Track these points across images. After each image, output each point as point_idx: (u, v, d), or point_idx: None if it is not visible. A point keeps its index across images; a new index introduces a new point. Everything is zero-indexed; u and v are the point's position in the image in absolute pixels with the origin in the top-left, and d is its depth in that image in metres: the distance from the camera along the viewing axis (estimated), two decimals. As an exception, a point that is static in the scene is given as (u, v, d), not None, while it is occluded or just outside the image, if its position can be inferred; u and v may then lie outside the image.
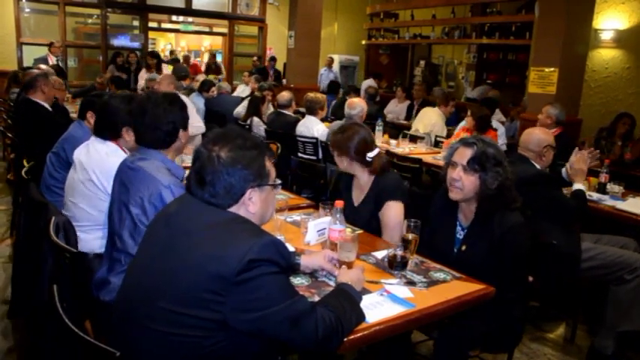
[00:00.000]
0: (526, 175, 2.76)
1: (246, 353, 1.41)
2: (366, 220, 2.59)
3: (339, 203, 2.13)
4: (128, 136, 2.46)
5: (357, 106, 4.56)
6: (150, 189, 1.96)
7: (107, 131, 2.48)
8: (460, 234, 2.30)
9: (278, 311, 1.35)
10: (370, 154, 2.55)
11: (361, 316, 1.61)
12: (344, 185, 2.76)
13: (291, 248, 2.21)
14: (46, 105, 4.13)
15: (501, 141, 5.40)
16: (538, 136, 3.02)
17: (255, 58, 11.31)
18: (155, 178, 1.98)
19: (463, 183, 2.17)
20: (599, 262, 2.87)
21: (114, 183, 2.13)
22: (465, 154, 2.17)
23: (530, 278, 2.30)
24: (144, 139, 2.11)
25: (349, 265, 1.91)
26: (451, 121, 6.52)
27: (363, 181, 2.64)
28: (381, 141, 5.35)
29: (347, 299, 1.60)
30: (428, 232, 2.33)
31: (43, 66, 7.16)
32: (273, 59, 11.21)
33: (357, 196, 2.68)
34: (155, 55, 9.21)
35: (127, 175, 2.05)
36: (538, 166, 3.00)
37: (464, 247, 2.23)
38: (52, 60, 8.69)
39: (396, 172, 2.88)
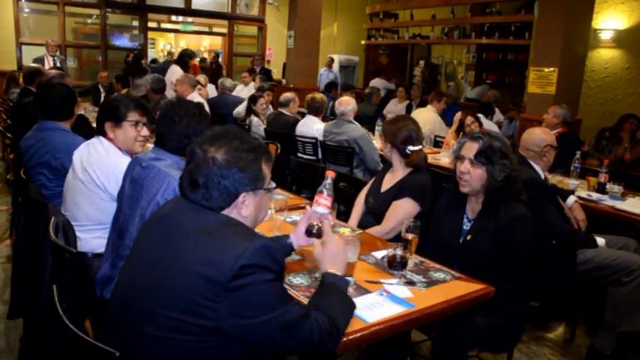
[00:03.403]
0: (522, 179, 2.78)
1: (241, 358, 1.39)
2: (383, 206, 2.74)
3: (330, 173, 1.94)
4: (111, 132, 2.44)
5: (348, 103, 4.62)
6: (164, 184, 1.97)
7: (97, 128, 2.49)
8: (467, 225, 2.35)
9: (271, 319, 1.32)
10: (411, 148, 2.74)
11: (352, 307, 1.58)
12: (382, 170, 3.00)
13: (279, 232, 2.20)
14: None
15: None
16: (539, 136, 3.02)
17: (252, 58, 11.24)
18: (169, 174, 1.99)
19: (471, 176, 2.24)
20: (594, 265, 2.85)
21: (123, 181, 2.13)
22: (472, 148, 2.25)
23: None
24: (168, 144, 2.12)
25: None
26: (449, 120, 6.52)
27: (398, 171, 2.82)
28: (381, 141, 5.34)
29: (334, 293, 1.57)
30: (433, 226, 2.42)
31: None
32: (261, 57, 11.11)
33: (386, 183, 2.85)
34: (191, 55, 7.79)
35: (139, 172, 2.06)
36: (538, 167, 2.99)
37: (469, 237, 2.28)
38: (49, 61, 8.59)
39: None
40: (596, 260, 2.86)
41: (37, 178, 2.89)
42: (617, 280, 2.80)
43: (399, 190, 2.72)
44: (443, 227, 2.41)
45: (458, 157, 2.33)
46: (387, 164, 2.95)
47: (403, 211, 2.64)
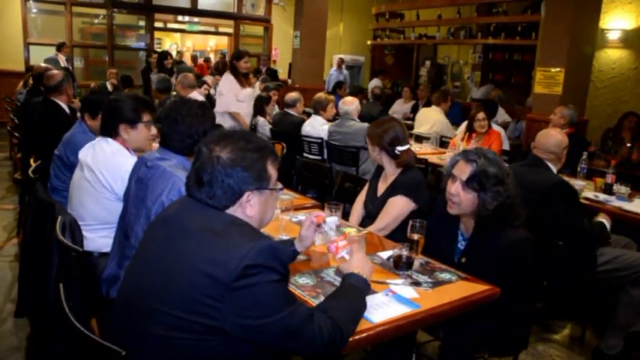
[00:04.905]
0: (548, 185, 2.74)
1: (246, 357, 1.39)
2: (381, 209, 2.73)
3: (321, 218, 1.97)
4: (126, 134, 2.46)
5: (352, 102, 4.70)
6: (169, 184, 1.97)
7: (106, 129, 2.49)
8: (462, 244, 2.26)
9: (276, 320, 1.32)
10: (400, 148, 2.73)
11: (363, 307, 1.60)
12: (375, 175, 2.97)
13: (285, 237, 2.20)
14: (66, 108, 4.19)
15: (505, 146, 5.35)
16: (558, 138, 2.95)
17: (259, 58, 11.24)
18: (174, 174, 2.00)
19: (460, 199, 2.11)
20: (616, 266, 2.82)
21: (129, 181, 2.14)
22: (464, 170, 2.10)
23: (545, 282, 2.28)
24: (172, 144, 2.12)
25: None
26: (456, 120, 6.51)
27: (389, 173, 2.81)
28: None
29: (350, 296, 1.58)
30: (429, 239, 2.24)
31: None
32: (268, 58, 11.15)
33: (381, 187, 2.85)
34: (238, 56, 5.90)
35: (145, 172, 2.07)
36: (555, 169, 2.94)
37: (464, 260, 2.19)
38: (62, 60, 8.70)
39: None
40: (616, 261, 2.83)
41: (53, 166, 3.03)
42: (636, 279, 2.78)
43: (393, 190, 2.74)
44: (437, 242, 2.26)
45: (449, 176, 2.18)
46: (378, 170, 2.94)
47: (397, 207, 2.67)
